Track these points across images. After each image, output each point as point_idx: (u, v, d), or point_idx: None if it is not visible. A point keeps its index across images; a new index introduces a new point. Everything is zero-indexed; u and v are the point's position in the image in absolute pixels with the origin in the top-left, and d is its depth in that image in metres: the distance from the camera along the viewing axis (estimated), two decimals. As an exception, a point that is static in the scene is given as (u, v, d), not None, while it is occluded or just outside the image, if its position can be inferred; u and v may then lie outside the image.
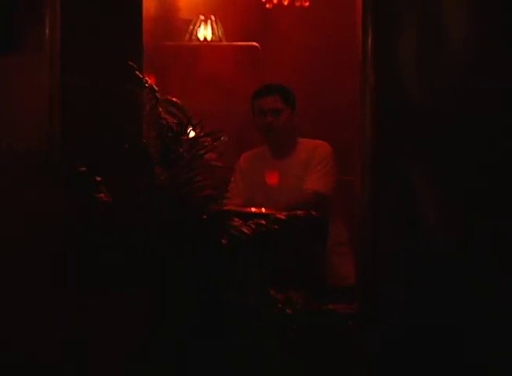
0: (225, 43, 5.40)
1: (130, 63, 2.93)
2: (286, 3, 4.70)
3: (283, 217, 2.90)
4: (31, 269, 3.13)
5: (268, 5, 4.76)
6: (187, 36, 5.41)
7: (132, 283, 2.83)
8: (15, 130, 3.18)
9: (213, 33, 5.38)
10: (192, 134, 2.91)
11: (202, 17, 5.38)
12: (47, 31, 3.19)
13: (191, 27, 5.40)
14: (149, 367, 2.83)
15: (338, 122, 4.84)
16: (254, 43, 5.31)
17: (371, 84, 3.12)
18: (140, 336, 2.86)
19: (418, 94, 3.11)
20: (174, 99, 2.93)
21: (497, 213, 3.03)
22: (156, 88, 2.90)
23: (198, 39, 5.39)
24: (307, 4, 4.65)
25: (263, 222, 2.86)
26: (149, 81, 2.93)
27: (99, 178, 2.87)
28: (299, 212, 3.05)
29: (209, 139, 2.88)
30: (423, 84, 3.11)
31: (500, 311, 3.00)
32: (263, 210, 3.51)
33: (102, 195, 2.85)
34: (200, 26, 5.38)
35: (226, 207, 3.00)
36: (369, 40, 3.12)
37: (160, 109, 2.89)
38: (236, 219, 2.87)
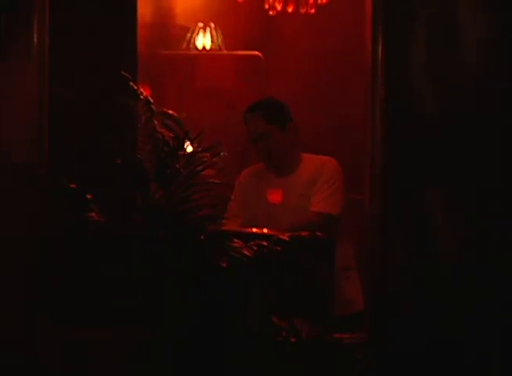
0: (225, 52, 5.40)
1: (124, 72, 2.87)
2: (290, 10, 4.66)
3: (286, 238, 2.82)
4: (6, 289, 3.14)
5: (271, 12, 4.77)
6: (185, 44, 5.42)
7: (127, 309, 2.79)
8: (2, 141, 3.19)
9: (212, 41, 5.39)
10: (189, 149, 2.85)
11: (200, 24, 5.39)
12: (35, 38, 3.18)
13: (189, 34, 5.41)
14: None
15: (344, 133, 4.85)
16: (256, 52, 5.33)
17: (381, 96, 3.11)
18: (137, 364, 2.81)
19: (431, 105, 3.10)
20: (170, 112, 2.87)
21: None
22: (151, 100, 2.85)
23: (196, 48, 5.40)
24: (313, 11, 4.64)
25: (265, 243, 2.78)
26: (144, 93, 2.88)
27: (89, 196, 2.79)
28: (304, 233, 2.96)
29: (208, 154, 2.82)
30: (436, 95, 3.10)
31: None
32: (265, 230, 3.45)
33: (93, 214, 2.77)
34: (198, 33, 5.40)
35: (225, 227, 2.95)
36: (380, 49, 3.10)
37: (156, 122, 2.84)
38: (235, 240, 2.79)
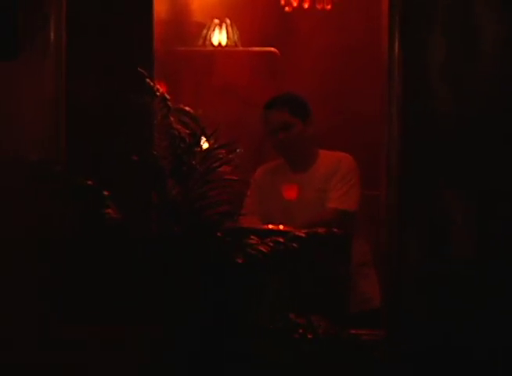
0: (240, 48, 5.41)
1: (140, 69, 2.85)
2: (306, 6, 4.66)
3: (302, 235, 2.80)
4: (26, 283, 3.17)
5: (287, 8, 4.83)
6: (200, 41, 5.44)
7: (142, 304, 2.79)
8: (18, 139, 3.21)
9: (228, 37, 5.40)
10: (205, 145, 2.84)
11: (216, 21, 5.41)
12: (52, 36, 3.21)
13: (205, 31, 5.43)
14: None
15: (360, 130, 4.83)
16: (272, 48, 5.33)
17: (398, 93, 3.12)
18: (150, 357, 2.81)
19: (447, 102, 3.11)
20: (186, 109, 2.85)
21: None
22: (167, 97, 2.83)
23: (212, 44, 5.42)
24: (329, 7, 4.65)
25: (281, 239, 2.76)
26: (161, 89, 2.86)
27: (106, 193, 2.78)
28: (320, 230, 2.92)
29: (224, 150, 2.80)
30: (452, 93, 3.11)
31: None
32: (281, 227, 3.47)
33: (109, 210, 2.77)
34: (214, 30, 5.41)
35: (244, 223, 2.99)
36: (396, 45, 3.11)
37: (172, 118, 2.82)
38: (252, 237, 2.78)
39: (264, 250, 2.72)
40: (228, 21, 5.36)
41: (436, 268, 3.09)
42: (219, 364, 2.72)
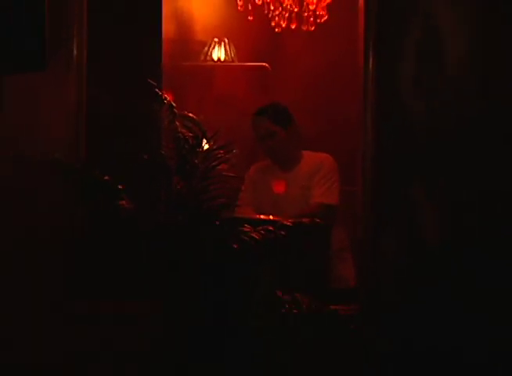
0: (237, 63, 5.51)
1: (150, 81, 2.96)
2: (293, 27, 4.78)
3: (289, 224, 2.93)
4: (42, 275, 3.26)
5: (277, 29, 4.83)
6: (202, 57, 5.54)
7: (149, 285, 2.91)
8: (45, 141, 3.31)
9: (226, 54, 5.50)
10: (206, 146, 2.95)
11: (216, 39, 5.52)
12: (75, 51, 3.33)
13: (206, 48, 5.53)
14: (161, 369, 2.90)
15: (341, 134, 4.90)
16: (264, 64, 5.44)
17: (372, 104, 3.26)
18: (154, 336, 2.94)
19: (417, 113, 3.25)
20: (190, 115, 2.97)
21: (495, 218, 3.18)
22: (174, 105, 2.94)
23: (212, 60, 5.51)
24: (313, 28, 4.74)
25: (271, 228, 2.88)
26: (168, 98, 2.96)
27: (120, 187, 2.90)
28: (304, 220, 3.14)
29: (222, 151, 2.93)
30: (422, 104, 3.24)
31: (501, 317, 3.18)
32: (271, 217, 3.61)
33: (123, 202, 2.88)
34: (214, 47, 5.51)
35: (241, 213, 3.14)
36: (371, 62, 3.25)
37: (178, 123, 2.94)
38: (246, 225, 2.90)
39: (256, 237, 2.84)
40: (226, 40, 5.48)
41: (409, 256, 3.21)
42: (211, 344, 2.83)
